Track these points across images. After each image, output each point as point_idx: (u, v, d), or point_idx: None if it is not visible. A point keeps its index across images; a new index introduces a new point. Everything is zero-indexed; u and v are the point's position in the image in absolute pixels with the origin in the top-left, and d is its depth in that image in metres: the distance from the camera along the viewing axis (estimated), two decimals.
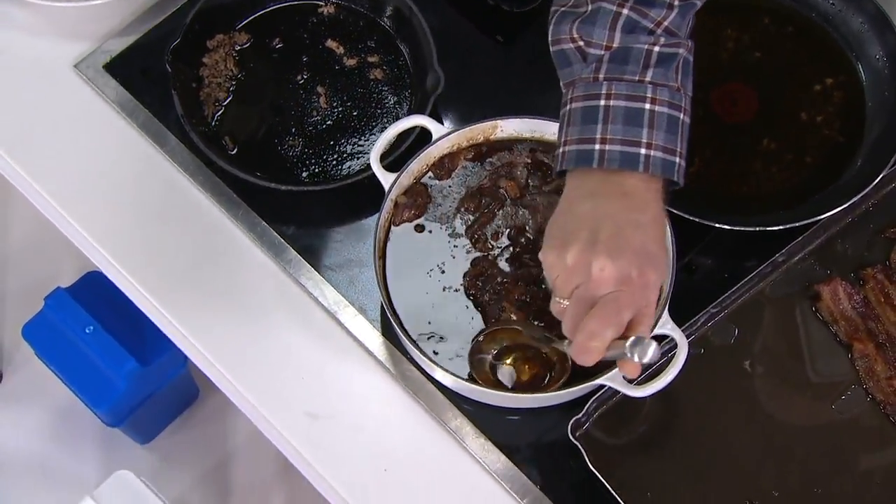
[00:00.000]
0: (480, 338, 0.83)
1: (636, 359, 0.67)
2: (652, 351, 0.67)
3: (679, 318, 0.84)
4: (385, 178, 0.87)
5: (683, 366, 0.80)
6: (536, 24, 1.06)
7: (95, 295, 1.30)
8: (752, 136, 0.98)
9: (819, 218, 0.91)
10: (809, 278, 0.92)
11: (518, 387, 0.82)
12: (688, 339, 0.87)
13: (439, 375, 0.85)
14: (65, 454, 1.58)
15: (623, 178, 0.71)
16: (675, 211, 0.89)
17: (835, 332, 0.91)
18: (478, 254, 0.88)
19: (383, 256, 0.87)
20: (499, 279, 0.86)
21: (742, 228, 0.90)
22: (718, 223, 0.89)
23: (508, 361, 0.83)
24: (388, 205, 0.87)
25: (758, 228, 0.90)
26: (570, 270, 0.70)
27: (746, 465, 0.86)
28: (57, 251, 1.66)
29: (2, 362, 1.67)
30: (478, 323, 0.85)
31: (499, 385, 0.82)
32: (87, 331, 1.26)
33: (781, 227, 0.90)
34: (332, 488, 0.86)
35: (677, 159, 0.72)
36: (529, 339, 0.82)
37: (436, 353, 0.84)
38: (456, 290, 0.86)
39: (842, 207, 0.91)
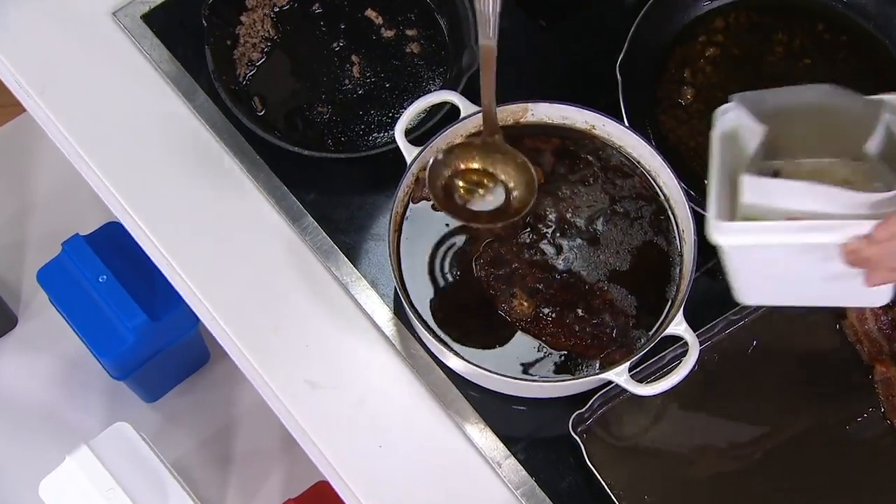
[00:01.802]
0: (439, 156, 0.82)
1: None
2: None
3: (696, 323, 0.84)
4: (408, 152, 0.88)
5: (695, 371, 0.80)
6: (581, 11, 1.06)
7: (113, 245, 1.33)
8: None
9: None
10: None
11: (482, 213, 0.80)
12: (703, 344, 0.88)
13: (452, 362, 0.86)
14: (70, 403, 1.61)
15: None
16: (703, 212, 0.88)
17: (857, 351, 0.90)
18: (493, 237, 0.88)
19: (399, 231, 0.88)
20: (513, 265, 0.87)
21: None
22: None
23: (465, 185, 0.82)
24: (408, 178, 0.88)
25: None
26: None
27: (751, 481, 0.86)
28: (83, 200, 1.69)
29: (19, 307, 1.71)
30: (490, 312, 0.86)
31: (456, 208, 0.81)
32: (101, 280, 1.29)
33: None
34: (325, 458, 0.87)
35: None
36: (487, 162, 0.81)
37: (448, 334, 0.85)
38: (468, 277, 0.87)
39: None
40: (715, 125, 0.74)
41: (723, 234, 0.69)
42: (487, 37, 0.77)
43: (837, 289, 0.70)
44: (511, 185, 0.82)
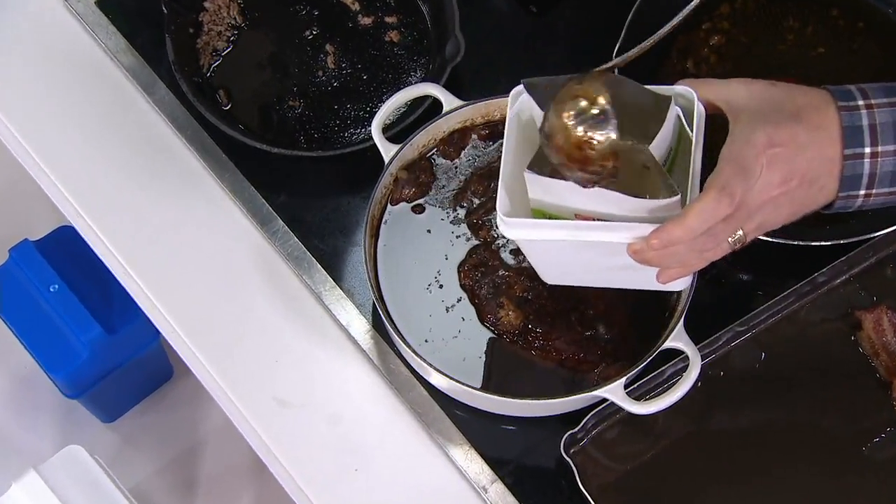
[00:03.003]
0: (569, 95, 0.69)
1: None
2: None
3: (699, 334, 0.85)
4: (386, 149, 0.89)
5: (698, 387, 0.81)
6: None
7: (65, 252, 1.34)
8: None
9: (869, 236, 0.91)
10: (852, 303, 0.93)
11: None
12: (706, 358, 0.89)
13: (434, 378, 0.87)
14: (19, 424, 1.61)
15: None
16: None
17: (874, 366, 0.91)
18: (478, 242, 0.89)
19: (376, 236, 0.89)
20: (500, 272, 0.88)
21: (782, 241, 0.90)
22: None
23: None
24: (386, 178, 0.89)
25: (799, 242, 0.90)
26: None
27: None
28: (32, 203, 1.70)
29: None
30: (473, 324, 0.87)
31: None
32: (52, 289, 1.29)
33: (826, 244, 0.91)
34: (296, 483, 0.88)
35: None
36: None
37: (427, 341, 0.86)
38: (453, 286, 0.88)
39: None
40: (510, 109, 0.77)
41: (510, 228, 0.74)
42: None
43: (633, 275, 0.75)
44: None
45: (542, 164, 0.71)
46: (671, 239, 0.67)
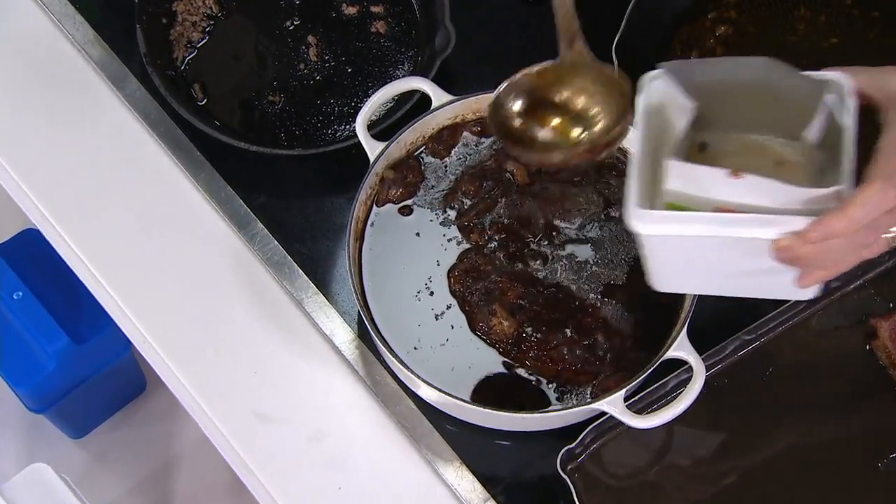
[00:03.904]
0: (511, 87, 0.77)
1: None
2: None
3: (704, 344, 0.86)
4: (371, 147, 0.90)
5: (702, 399, 0.81)
6: None
7: (30, 257, 1.34)
8: None
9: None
10: (866, 310, 0.94)
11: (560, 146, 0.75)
12: (711, 368, 0.90)
13: (422, 391, 0.87)
14: None
15: None
16: None
17: (891, 376, 0.92)
18: (470, 245, 0.90)
19: (360, 239, 0.90)
20: (492, 277, 0.88)
21: None
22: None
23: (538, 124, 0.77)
24: (371, 178, 0.90)
25: None
26: None
27: None
28: None
29: None
30: (464, 332, 0.88)
31: (528, 143, 0.75)
32: (16, 297, 1.30)
33: None
34: (276, 503, 0.88)
35: None
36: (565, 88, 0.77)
37: (415, 348, 0.87)
38: (443, 293, 0.89)
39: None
40: (640, 95, 0.75)
41: (644, 222, 0.71)
42: None
43: (762, 282, 0.74)
44: (592, 112, 0.77)
45: (684, 153, 0.71)
46: (832, 231, 0.66)
